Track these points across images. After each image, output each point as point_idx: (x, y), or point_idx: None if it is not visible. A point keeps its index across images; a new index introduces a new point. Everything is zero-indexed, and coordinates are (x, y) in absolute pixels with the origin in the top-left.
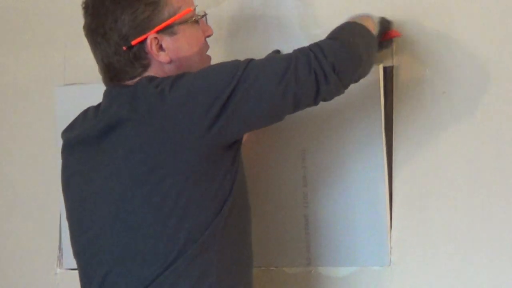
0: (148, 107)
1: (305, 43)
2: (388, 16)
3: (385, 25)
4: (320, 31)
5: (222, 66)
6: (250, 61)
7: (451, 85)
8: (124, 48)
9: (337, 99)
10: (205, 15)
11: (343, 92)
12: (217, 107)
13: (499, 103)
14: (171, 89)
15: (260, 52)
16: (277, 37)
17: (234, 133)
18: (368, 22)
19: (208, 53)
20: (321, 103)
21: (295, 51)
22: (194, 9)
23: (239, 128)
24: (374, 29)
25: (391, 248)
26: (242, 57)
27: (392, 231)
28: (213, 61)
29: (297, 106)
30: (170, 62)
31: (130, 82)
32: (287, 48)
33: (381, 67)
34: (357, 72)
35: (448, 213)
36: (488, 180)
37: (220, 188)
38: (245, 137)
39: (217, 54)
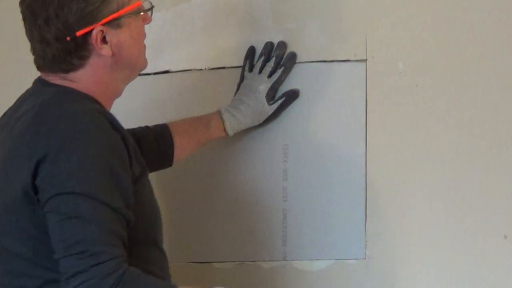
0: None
1: (278, 37)
2: (359, 5)
3: None
4: (293, 25)
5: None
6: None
7: (424, 78)
8: (68, 38)
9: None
10: (152, 7)
11: None
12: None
13: (471, 95)
14: (59, 151)
15: (233, 47)
16: (250, 31)
17: None
18: None
19: (182, 50)
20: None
21: None
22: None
23: None
24: None
25: (366, 241)
26: (215, 53)
27: (367, 224)
28: (187, 58)
29: None
30: (112, 55)
31: (60, 78)
32: (260, 43)
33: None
34: None
35: (423, 207)
36: (463, 172)
37: None
38: (223, 133)
39: (190, 51)
